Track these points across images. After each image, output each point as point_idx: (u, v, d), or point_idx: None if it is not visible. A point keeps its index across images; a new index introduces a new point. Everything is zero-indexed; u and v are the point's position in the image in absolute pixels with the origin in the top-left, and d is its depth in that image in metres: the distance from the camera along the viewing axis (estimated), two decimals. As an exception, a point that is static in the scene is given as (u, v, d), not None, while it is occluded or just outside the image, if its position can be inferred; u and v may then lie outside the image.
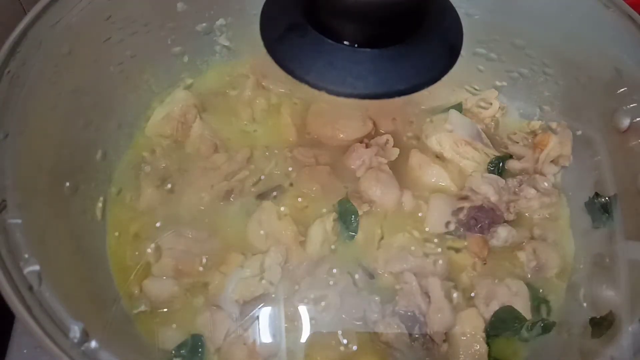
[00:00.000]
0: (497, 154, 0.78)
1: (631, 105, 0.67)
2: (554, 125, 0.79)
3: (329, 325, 0.63)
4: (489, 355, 0.61)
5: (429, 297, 0.63)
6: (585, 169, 0.75)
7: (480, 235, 0.70)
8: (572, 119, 0.78)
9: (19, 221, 0.53)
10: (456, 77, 0.85)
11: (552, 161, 0.77)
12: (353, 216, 0.71)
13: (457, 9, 0.55)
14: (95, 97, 0.72)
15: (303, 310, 0.64)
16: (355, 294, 0.65)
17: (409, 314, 0.62)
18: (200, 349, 0.61)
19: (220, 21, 0.85)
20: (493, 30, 0.83)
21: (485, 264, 0.68)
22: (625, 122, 0.68)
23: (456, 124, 0.78)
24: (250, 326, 0.62)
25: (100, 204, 0.71)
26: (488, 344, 0.62)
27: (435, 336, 0.61)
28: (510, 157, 0.78)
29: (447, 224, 0.71)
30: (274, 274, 0.64)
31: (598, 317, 0.60)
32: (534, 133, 0.80)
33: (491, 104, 0.83)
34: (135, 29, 0.75)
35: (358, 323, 0.63)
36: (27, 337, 0.66)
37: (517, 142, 0.79)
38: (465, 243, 0.70)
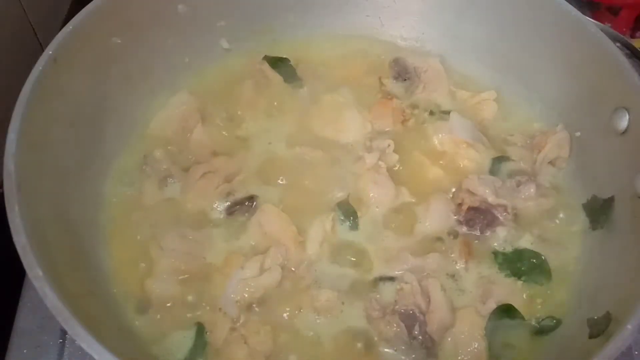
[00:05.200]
0: (496, 154, 0.78)
1: (629, 108, 0.67)
2: (552, 126, 0.80)
3: (329, 325, 0.63)
4: (488, 353, 0.61)
5: (428, 296, 0.64)
6: (583, 170, 0.76)
7: (464, 236, 0.70)
8: (570, 121, 0.78)
9: (19, 221, 0.53)
10: (456, 78, 0.86)
11: (550, 162, 0.77)
12: (352, 217, 0.71)
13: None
14: (97, 98, 0.72)
15: (303, 309, 0.64)
16: (356, 293, 0.65)
17: (409, 312, 0.63)
18: (201, 348, 0.61)
19: (221, 23, 0.85)
20: (494, 32, 0.83)
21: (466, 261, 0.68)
22: (623, 124, 0.68)
23: (456, 125, 0.79)
24: (250, 326, 0.62)
25: (101, 204, 0.71)
26: (486, 341, 0.62)
27: (434, 334, 0.62)
28: (509, 158, 0.78)
29: (447, 224, 0.71)
30: (274, 274, 0.64)
31: (596, 317, 0.60)
32: (532, 134, 0.80)
33: (491, 105, 0.83)
34: (136, 30, 0.75)
35: (358, 322, 0.64)
36: (27, 337, 0.66)
37: (516, 144, 0.80)
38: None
